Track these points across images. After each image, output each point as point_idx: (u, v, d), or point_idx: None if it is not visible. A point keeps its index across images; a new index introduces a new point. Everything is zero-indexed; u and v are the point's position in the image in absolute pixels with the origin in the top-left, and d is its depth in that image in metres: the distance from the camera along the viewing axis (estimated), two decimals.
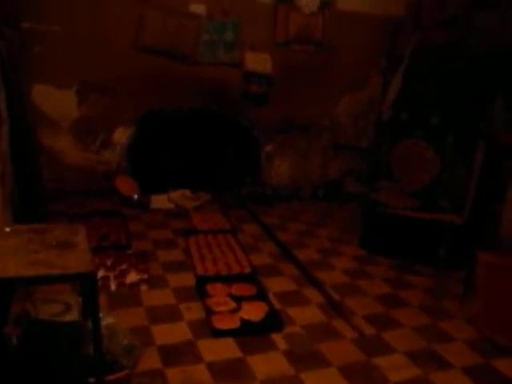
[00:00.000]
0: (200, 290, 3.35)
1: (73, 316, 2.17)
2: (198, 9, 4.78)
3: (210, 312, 3.09)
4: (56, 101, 4.61)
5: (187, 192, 5.10)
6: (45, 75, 4.50)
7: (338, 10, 5.20)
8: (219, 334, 2.89)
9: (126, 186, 4.91)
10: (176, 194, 5.04)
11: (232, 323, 2.98)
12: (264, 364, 2.67)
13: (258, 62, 5.04)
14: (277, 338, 2.92)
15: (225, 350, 2.77)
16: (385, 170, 4.73)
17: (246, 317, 3.05)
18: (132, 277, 3.41)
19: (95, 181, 4.88)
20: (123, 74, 4.66)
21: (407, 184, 4.45)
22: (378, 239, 4.27)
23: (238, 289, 3.39)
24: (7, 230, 2.12)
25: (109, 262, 3.57)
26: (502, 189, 3.68)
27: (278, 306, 3.27)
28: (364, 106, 5.65)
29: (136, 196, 4.86)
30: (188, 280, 3.52)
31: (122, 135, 4.91)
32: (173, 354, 2.69)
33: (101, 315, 1.86)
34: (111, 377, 2.11)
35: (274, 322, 3.05)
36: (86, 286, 1.74)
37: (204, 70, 4.93)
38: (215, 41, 4.87)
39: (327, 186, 5.75)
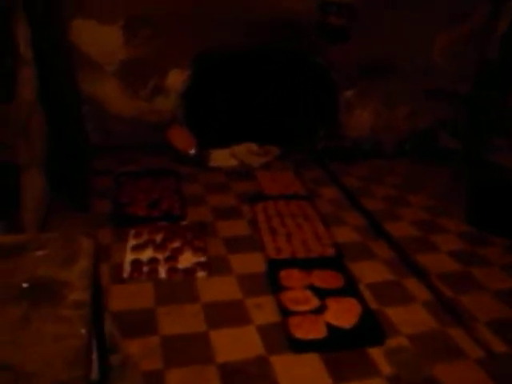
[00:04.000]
0: (272, 280, 2.64)
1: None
2: None
3: (285, 312, 2.39)
4: (99, 39, 3.86)
5: (253, 146, 4.32)
6: (85, 8, 3.75)
7: None
8: (300, 347, 2.19)
9: (182, 139, 4.20)
10: (240, 149, 4.27)
11: (316, 331, 2.27)
12: None
13: None
14: (377, 354, 2.18)
15: (308, 371, 2.07)
16: (497, 124, 3.79)
17: (334, 322, 2.33)
18: (187, 259, 2.74)
19: (145, 133, 4.19)
20: (176, 6, 3.85)
21: None
22: (492, 213, 3.38)
23: (320, 278, 2.65)
24: None
25: (158, 238, 2.91)
26: None
27: (373, 304, 2.52)
28: (465, 42, 4.61)
29: (193, 151, 4.15)
30: (256, 263, 2.82)
31: (176, 79, 4.14)
32: (239, 378, 2.02)
33: None
34: None
35: (372, 330, 2.31)
36: None
37: None
38: None
39: (415, 140, 4.83)
